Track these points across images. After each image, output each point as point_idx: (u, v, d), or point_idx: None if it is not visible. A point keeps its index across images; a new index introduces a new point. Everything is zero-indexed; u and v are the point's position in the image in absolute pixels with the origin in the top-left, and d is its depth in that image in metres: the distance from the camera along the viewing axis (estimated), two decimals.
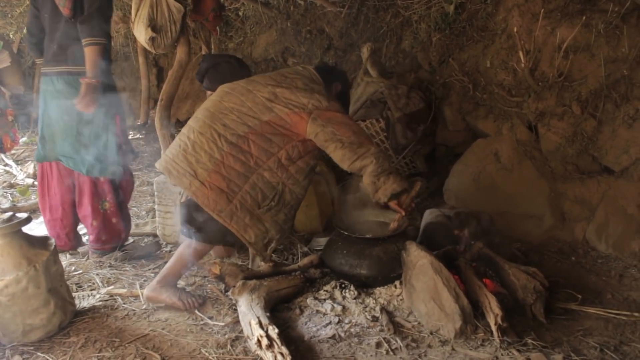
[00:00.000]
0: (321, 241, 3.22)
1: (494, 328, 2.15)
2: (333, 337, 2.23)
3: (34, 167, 5.59)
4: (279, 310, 2.48)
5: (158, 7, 3.66)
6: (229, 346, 2.21)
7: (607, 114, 3.28)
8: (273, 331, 2.09)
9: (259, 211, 2.48)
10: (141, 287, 2.79)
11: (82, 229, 3.52)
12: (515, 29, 3.44)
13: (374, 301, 2.46)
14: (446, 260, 2.44)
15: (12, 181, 5.37)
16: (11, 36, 7.71)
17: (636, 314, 2.39)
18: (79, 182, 3.11)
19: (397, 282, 2.54)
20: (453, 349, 2.13)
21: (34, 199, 4.68)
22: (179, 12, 3.73)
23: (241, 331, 2.27)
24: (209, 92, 3.20)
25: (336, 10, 5.41)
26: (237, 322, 2.35)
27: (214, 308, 2.56)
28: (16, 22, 7.24)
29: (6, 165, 5.99)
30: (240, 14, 6.67)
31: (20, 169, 5.80)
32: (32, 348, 2.25)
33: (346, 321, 2.33)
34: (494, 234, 3.34)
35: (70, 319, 2.45)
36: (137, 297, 2.70)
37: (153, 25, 3.61)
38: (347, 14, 5.37)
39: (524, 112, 3.65)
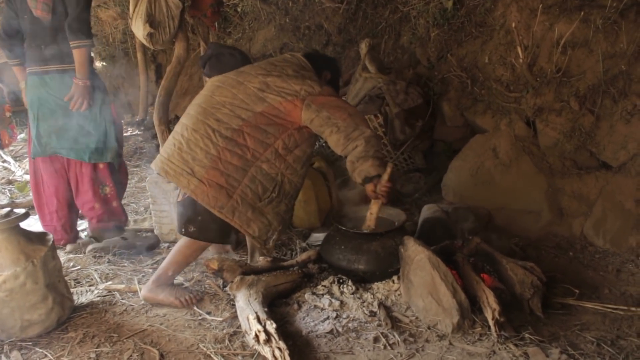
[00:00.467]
0: (319, 237, 3.22)
1: (491, 323, 2.15)
2: (331, 332, 2.24)
3: None
4: (277, 306, 2.49)
5: (156, 3, 3.64)
6: (226, 341, 2.21)
7: (605, 110, 3.28)
8: (271, 326, 2.10)
9: (261, 204, 2.47)
10: (139, 282, 2.79)
11: (80, 225, 3.54)
12: (513, 25, 3.44)
13: (372, 296, 2.47)
14: (444, 255, 2.44)
15: (10, 177, 5.36)
16: None
17: (633, 309, 2.39)
18: (79, 172, 3.21)
19: (394, 277, 2.54)
20: (450, 344, 2.14)
21: (31, 195, 4.68)
22: (177, 8, 3.71)
23: (239, 326, 2.28)
24: (205, 79, 3.22)
25: (335, 6, 5.40)
26: (235, 317, 2.36)
27: (212, 303, 2.56)
28: None
29: (4, 161, 5.98)
30: (239, 9, 6.66)
31: (19, 165, 5.79)
32: (30, 343, 2.26)
33: (344, 316, 2.34)
34: (492, 229, 3.35)
35: (69, 315, 2.45)
36: (135, 292, 2.70)
37: (151, 21, 3.59)
38: (346, 9, 5.37)
39: (522, 107, 3.65)
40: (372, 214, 2.64)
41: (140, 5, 3.63)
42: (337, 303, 2.41)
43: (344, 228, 2.67)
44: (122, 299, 2.65)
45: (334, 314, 2.34)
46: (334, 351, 2.12)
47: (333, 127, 2.43)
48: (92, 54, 3.19)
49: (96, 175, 3.23)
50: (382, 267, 2.56)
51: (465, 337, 2.17)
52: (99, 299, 2.66)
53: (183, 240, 2.60)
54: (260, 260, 2.74)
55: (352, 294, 2.47)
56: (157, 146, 4.40)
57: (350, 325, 2.27)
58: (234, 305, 2.43)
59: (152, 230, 3.63)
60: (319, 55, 3.07)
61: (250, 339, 2.12)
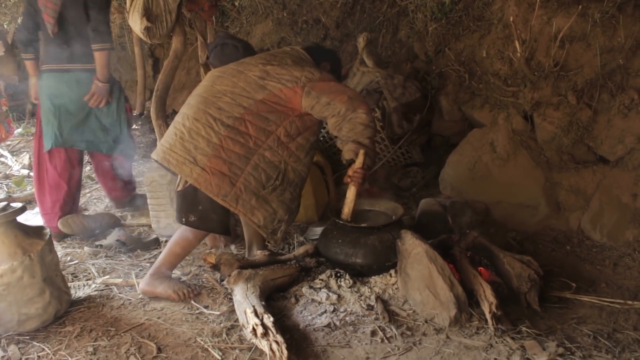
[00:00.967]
0: (317, 230, 3.22)
1: (488, 316, 2.16)
2: (328, 325, 2.24)
3: (30, 158, 5.56)
4: (275, 299, 2.49)
5: None
6: (224, 335, 2.22)
7: (603, 104, 3.28)
8: (268, 320, 2.10)
9: (264, 192, 2.47)
10: (137, 276, 2.79)
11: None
12: (511, 19, 3.43)
13: (369, 290, 2.47)
14: (441, 249, 2.44)
15: (8, 172, 5.35)
16: (5, 26, 7.64)
17: (629, 302, 2.40)
18: (100, 162, 3.66)
19: (392, 271, 2.55)
20: (448, 337, 2.15)
21: (29, 189, 4.67)
22: (175, 1, 3.69)
23: (236, 320, 2.28)
24: (203, 72, 3.25)
25: (332, 0, 5.38)
26: (232, 310, 2.36)
27: (210, 297, 2.56)
28: (10, 12, 7.16)
29: (1, 156, 5.96)
30: (236, 4, 6.62)
31: (16, 160, 5.77)
32: (27, 337, 2.26)
33: (341, 310, 2.34)
34: (489, 223, 3.36)
35: (66, 309, 2.45)
36: (132, 286, 2.70)
37: (148, 15, 3.57)
38: (344, 3, 5.35)
39: (519, 101, 3.65)
40: (347, 200, 2.64)
41: None
42: (334, 297, 2.41)
43: (341, 222, 2.67)
44: (120, 293, 2.66)
45: (332, 308, 2.35)
46: (331, 345, 2.12)
47: (334, 111, 2.45)
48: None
49: (114, 163, 3.62)
50: (380, 261, 2.56)
51: (462, 331, 2.18)
52: (96, 293, 2.66)
53: (180, 231, 2.60)
54: (258, 254, 2.74)
55: (350, 287, 2.47)
56: (155, 140, 4.40)
57: (347, 318, 2.28)
58: (231, 299, 2.44)
59: (149, 225, 3.63)
60: (318, 47, 3.08)
61: (247, 333, 2.13)
